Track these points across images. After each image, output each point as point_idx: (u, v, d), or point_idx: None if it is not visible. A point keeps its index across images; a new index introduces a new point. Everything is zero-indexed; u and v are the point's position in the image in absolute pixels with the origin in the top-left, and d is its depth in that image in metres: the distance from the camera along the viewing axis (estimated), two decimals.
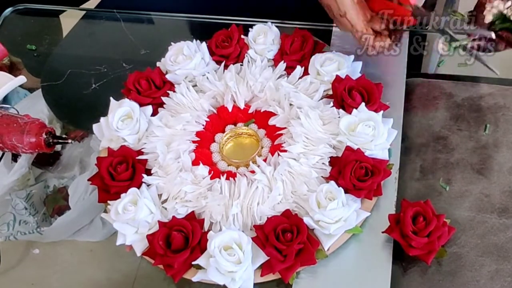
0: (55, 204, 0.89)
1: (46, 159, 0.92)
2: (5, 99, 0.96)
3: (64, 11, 1.15)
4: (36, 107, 0.95)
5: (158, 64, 0.91)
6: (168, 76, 0.88)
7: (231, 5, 1.09)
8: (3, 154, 0.88)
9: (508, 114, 0.82)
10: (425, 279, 0.71)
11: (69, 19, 1.13)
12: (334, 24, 0.88)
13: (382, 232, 0.72)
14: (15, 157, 0.92)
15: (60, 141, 0.84)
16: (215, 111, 0.87)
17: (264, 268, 0.70)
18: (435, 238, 0.68)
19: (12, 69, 1.05)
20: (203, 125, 0.85)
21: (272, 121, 0.83)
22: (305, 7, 1.07)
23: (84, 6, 1.16)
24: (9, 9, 1.10)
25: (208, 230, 0.73)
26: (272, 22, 0.92)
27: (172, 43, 0.90)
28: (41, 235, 0.86)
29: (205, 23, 1.03)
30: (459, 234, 0.73)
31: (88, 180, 0.80)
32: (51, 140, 0.82)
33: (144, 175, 0.78)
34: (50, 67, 1.05)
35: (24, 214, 0.88)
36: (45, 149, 0.82)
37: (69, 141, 0.85)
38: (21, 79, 0.96)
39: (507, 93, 0.85)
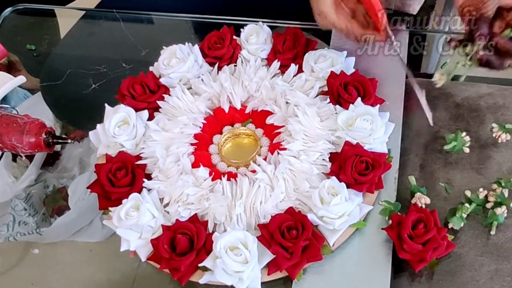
0: (55, 204, 0.89)
1: (45, 159, 0.92)
2: (5, 99, 0.96)
3: (63, 11, 1.15)
4: (39, 108, 0.95)
5: (151, 68, 0.91)
6: (162, 80, 0.88)
7: (230, 5, 1.09)
8: (2, 154, 0.88)
9: (507, 114, 0.82)
10: (424, 278, 0.71)
11: (68, 19, 1.13)
12: None
13: (382, 229, 0.72)
14: (15, 157, 0.92)
15: (59, 141, 0.84)
16: (211, 113, 0.87)
17: (271, 267, 0.70)
18: (430, 249, 0.68)
19: (11, 69, 1.05)
20: (200, 127, 0.85)
21: (269, 120, 0.84)
22: (305, 7, 1.07)
23: (84, 6, 1.16)
24: (8, 9, 1.10)
25: (213, 232, 0.73)
26: (272, 23, 0.93)
27: (164, 47, 0.90)
28: (41, 235, 0.85)
29: (205, 23, 1.03)
30: (459, 234, 0.73)
31: (88, 187, 0.80)
32: (50, 140, 0.82)
33: (145, 180, 0.78)
34: (50, 67, 1.05)
35: (24, 215, 0.88)
36: (45, 149, 0.82)
37: (69, 141, 0.85)
38: (21, 79, 0.96)
39: (506, 93, 0.85)
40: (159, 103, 0.86)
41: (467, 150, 0.79)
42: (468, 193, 0.75)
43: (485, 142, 0.80)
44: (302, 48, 0.88)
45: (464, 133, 0.79)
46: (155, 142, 0.82)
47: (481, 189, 0.74)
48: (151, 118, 0.86)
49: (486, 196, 0.74)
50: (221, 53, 0.89)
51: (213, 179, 0.78)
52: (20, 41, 1.09)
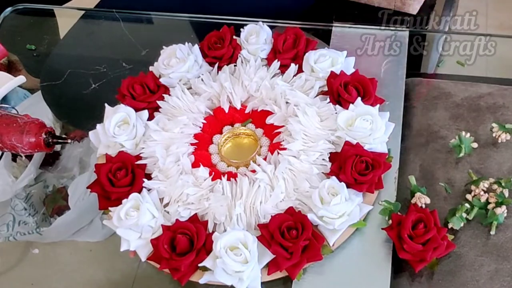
0: (55, 204, 0.89)
1: (45, 159, 0.92)
2: (5, 99, 0.96)
3: (63, 10, 1.15)
4: (39, 108, 0.95)
5: (151, 68, 0.91)
6: (162, 80, 0.88)
7: (230, 6, 1.09)
8: (2, 154, 0.88)
9: (507, 114, 0.82)
10: (424, 278, 0.71)
11: (68, 19, 1.13)
12: (334, 24, 0.88)
13: (382, 229, 0.72)
14: (15, 157, 0.92)
15: (59, 141, 0.84)
16: (211, 113, 0.87)
17: (271, 267, 0.70)
18: (430, 249, 0.68)
19: (11, 69, 1.05)
20: (200, 127, 0.85)
21: (269, 120, 0.84)
22: (305, 7, 1.07)
23: (84, 6, 1.17)
24: (8, 9, 1.10)
25: (212, 232, 0.73)
26: (272, 23, 0.93)
27: (164, 47, 0.90)
28: (41, 235, 0.85)
29: (205, 23, 1.03)
30: (459, 234, 0.73)
31: (88, 187, 0.80)
32: (50, 140, 0.82)
33: (145, 180, 0.78)
34: (50, 67, 1.05)
35: (24, 215, 0.88)
36: (45, 149, 0.82)
37: (69, 141, 0.85)
38: (21, 79, 0.96)
39: (506, 92, 0.85)
40: (159, 103, 0.86)
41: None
42: (469, 196, 0.75)
43: (485, 142, 0.80)
44: (302, 48, 0.87)
45: (463, 133, 0.79)
46: (155, 142, 0.82)
47: (481, 192, 0.74)
48: (151, 118, 0.86)
49: (487, 199, 0.74)
50: (221, 53, 0.89)
51: (213, 179, 0.78)
52: (20, 41, 1.09)
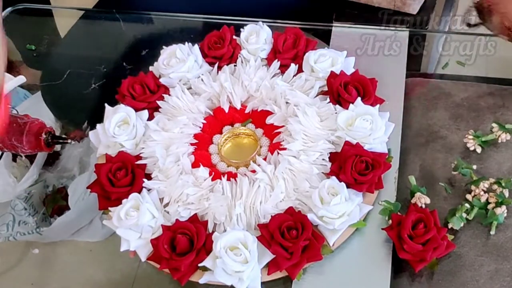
0: (55, 204, 0.90)
1: (45, 159, 0.92)
2: None
3: (62, 11, 1.15)
4: (39, 108, 0.95)
5: (151, 68, 0.91)
6: (162, 80, 0.88)
7: (230, 5, 1.09)
8: (2, 154, 0.88)
9: (507, 114, 0.82)
10: (424, 278, 0.71)
11: (68, 19, 1.13)
12: (334, 24, 0.88)
13: (382, 229, 0.72)
14: (15, 157, 0.92)
15: (59, 141, 0.84)
16: (211, 113, 0.87)
17: (271, 267, 0.70)
18: (430, 249, 0.68)
19: (11, 69, 1.05)
20: (200, 127, 0.85)
21: (269, 120, 0.84)
22: (305, 7, 1.07)
23: (83, 6, 1.17)
24: (8, 9, 1.10)
25: (212, 232, 0.73)
26: (272, 23, 0.93)
27: (164, 47, 0.90)
28: (41, 235, 0.85)
29: (205, 23, 1.03)
30: (459, 234, 0.73)
31: (88, 187, 0.80)
32: (50, 140, 0.82)
33: (145, 180, 0.78)
34: (50, 67, 1.05)
35: (24, 215, 0.88)
36: (45, 149, 0.82)
37: (69, 141, 0.85)
38: (21, 79, 0.96)
39: (506, 93, 0.85)
40: (159, 103, 0.86)
41: (472, 147, 0.79)
42: (469, 196, 0.75)
43: (485, 141, 0.80)
44: (302, 48, 0.88)
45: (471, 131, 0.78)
46: (155, 142, 0.82)
47: (482, 192, 0.74)
48: (151, 118, 0.86)
49: (487, 199, 0.74)
50: (221, 53, 0.89)
51: (213, 179, 0.78)
52: (20, 41, 1.09)
